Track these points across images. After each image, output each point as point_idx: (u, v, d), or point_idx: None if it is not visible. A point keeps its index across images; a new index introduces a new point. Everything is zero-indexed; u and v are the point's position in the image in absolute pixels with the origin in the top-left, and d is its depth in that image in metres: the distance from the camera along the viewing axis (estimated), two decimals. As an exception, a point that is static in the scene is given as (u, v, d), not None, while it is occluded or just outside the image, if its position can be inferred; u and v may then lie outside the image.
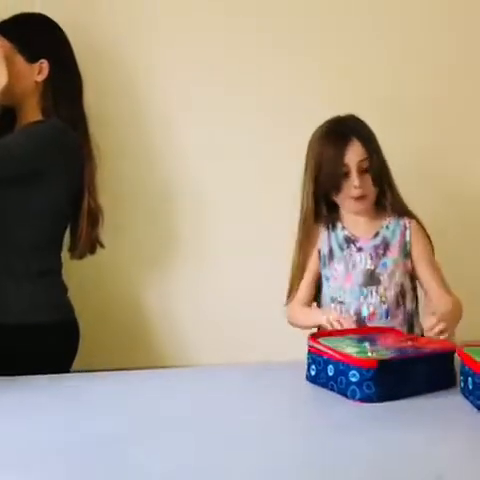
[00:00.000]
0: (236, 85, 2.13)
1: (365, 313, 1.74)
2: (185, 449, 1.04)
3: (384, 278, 1.73)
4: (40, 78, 1.81)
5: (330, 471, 0.95)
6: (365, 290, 1.74)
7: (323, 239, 1.80)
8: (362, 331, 1.57)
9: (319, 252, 1.81)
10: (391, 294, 1.73)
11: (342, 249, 1.78)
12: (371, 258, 1.75)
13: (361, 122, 1.77)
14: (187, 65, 2.12)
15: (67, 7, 2.00)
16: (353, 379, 1.28)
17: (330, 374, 1.34)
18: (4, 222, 1.75)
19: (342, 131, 1.73)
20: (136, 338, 2.11)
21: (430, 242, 1.80)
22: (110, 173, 1.96)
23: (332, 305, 1.77)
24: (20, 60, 1.79)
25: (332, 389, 1.33)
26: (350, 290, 1.75)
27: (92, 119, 1.88)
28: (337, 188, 1.72)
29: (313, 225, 1.80)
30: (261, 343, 2.08)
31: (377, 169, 1.72)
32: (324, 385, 1.36)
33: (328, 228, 1.80)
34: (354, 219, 1.79)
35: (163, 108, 2.13)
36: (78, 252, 1.86)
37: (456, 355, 1.33)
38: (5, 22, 1.83)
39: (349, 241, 1.78)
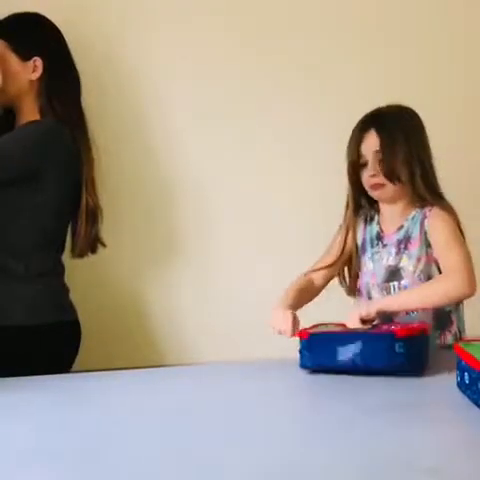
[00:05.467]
0: (237, 84, 2.12)
1: None
2: (186, 447, 1.02)
3: (406, 272, 1.69)
4: (34, 76, 1.79)
5: (325, 466, 0.93)
6: (388, 286, 1.71)
7: (360, 230, 1.80)
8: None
9: (356, 244, 1.80)
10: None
11: (372, 246, 1.77)
12: (393, 254, 1.72)
13: (390, 114, 1.72)
14: (187, 64, 2.10)
15: (65, 6, 1.98)
16: None
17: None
18: (3, 223, 1.74)
19: (364, 122, 1.72)
20: (138, 337, 2.09)
21: (452, 224, 1.67)
22: (110, 171, 1.94)
23: (365, 300, 1.77)
24: (14, 59, 1.79)
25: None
26: (375, 286, 1.74)
27: (91, 118, 1.87)
28: (355, 176, 1.72)
29: (353, 214, 1.79)
30: (264, 341, 2.05)
31: (387, 163, 1.67)
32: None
33: (366, 221, 1.79)
34: (386, 212, 1.76)
35: (163, 106, 2.11)
36: (78, 251, 1.85)
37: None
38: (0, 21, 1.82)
39: (378, 238, 1.77)
